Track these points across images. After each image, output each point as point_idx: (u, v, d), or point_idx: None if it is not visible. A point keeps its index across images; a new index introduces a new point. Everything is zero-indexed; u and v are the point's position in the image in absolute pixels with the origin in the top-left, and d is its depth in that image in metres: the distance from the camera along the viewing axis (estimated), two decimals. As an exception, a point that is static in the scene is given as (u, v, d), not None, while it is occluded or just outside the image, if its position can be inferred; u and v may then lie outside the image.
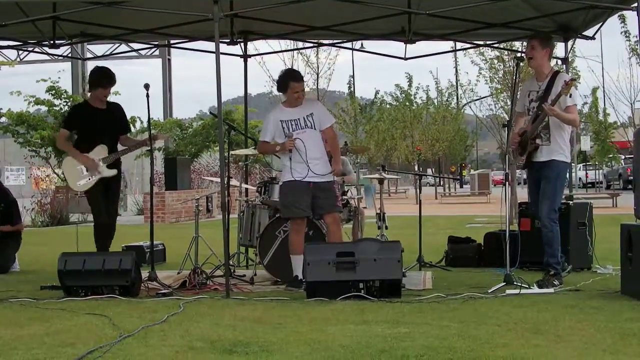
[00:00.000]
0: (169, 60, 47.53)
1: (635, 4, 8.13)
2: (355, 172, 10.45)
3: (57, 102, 28.56)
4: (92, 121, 9.11)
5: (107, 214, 9.19)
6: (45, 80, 28.27)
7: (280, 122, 8.56)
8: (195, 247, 9.53)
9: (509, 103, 17.11)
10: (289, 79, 8.70)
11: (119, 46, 33.27)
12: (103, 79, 9.21)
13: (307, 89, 39.24)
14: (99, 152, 9.09)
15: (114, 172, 9.16)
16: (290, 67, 37.39)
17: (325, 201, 8.50)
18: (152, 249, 9.36)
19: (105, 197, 9.21)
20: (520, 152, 8.60)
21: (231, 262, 9.44)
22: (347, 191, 9.89)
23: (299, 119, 8.54)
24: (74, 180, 9.11)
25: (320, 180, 8.48)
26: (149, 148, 8.93)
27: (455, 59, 52.24)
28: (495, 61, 32.57)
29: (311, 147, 8.49)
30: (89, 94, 9.46)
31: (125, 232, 9.06)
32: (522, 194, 15.62)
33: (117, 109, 9.49)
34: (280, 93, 8.87)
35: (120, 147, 9.35)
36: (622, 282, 7.70)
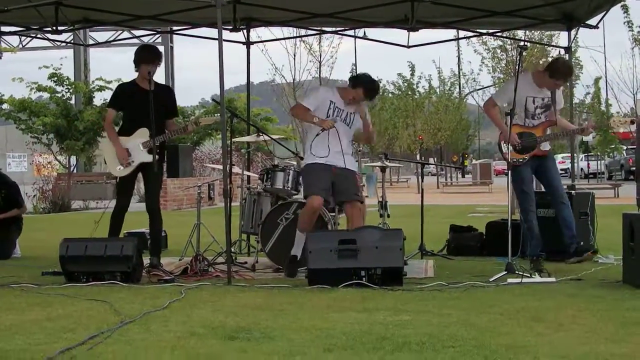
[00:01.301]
0: (172, 47, 47.48)
1: (640, -7, 8.11)
2: (357, 160, 10.43)
3: (59, 89, 28.60)
4: (137, 102, 8.71)
5: (147, 200, 9.00)
6: (47, 67, 28.31)
7: (330, 102, 8.55)
8: (197, 234, 9.51)
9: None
10: (363, 86, 8.55)
11: (121, 33, 33.27)
12: (145, 54, 8.86)
13: (309, 78, 39.35)
14: (141, 135, 8.78)
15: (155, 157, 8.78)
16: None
17: (347, 188, 8.49)
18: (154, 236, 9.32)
19: (144, 182, 9.06)
20: (520, 151, 8.78)
21: (233, 250, 9.43)
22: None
23: (343, 110, 8.56)
24: (113, 164, 8.82)
25: (344, 167, 8.49)
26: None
27: (458, 48, 52.18)
28: (498, 50, 32.36)
29: (344, 140, 8.50)
30: (136, 74, 8.95)
31: (127, 218, 9.01)
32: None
33: (165, 91, 9.13)
34: (350, 85, 8.63)
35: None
36: (623, 271, 7.69)
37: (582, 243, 8.89)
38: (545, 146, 8.97)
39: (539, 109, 8.92)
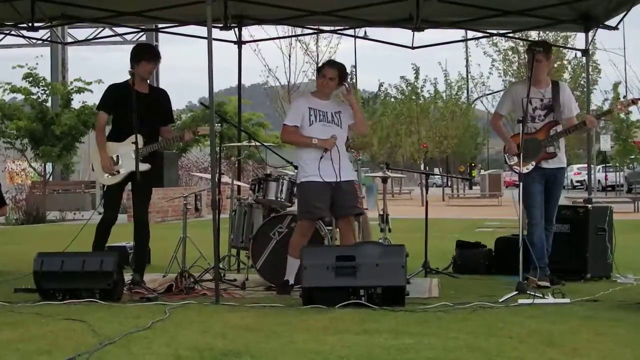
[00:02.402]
0: (157, 46, 47.58)
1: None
2: (355, 170, 10.44)
3: (34, 90, 28.57)
4: (130, 106, 8.54)
5: (136, 211, 9.01)
6: (22, 67, 28.28)
7: (308, 109, 8.58)
8: (183, 249, 9.52)
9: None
10: (324, 64, 8.91)
11: (102, 30, 33.25)
12: (148, 51, 8.89)
13: (306, 80, 39.42)
14: (134, 141, 8.71)
15: (145, 166, 8.79)
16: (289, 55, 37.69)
17: (345, 203, 8.53)
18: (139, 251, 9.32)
19: (132, 193, 9.00)
20: (525, 159, 8.86)
21: (221, 266, 9.43)
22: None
23: (327, 112, 8.59)
24: (101, 171, 8.81)
25: (342, 180, 8.49)
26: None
27: (466, 50, 52.33)
28: (510, 52, 32.40)
29: (340, 146, 8.56)
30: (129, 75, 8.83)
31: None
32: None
33: (161, 95, 9.14)
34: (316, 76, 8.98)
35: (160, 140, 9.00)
36: (643, 292, 7.72)
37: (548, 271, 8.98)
38: (551, 150, 9.09)
39: (539, 110, 9.10)
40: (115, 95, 8.92)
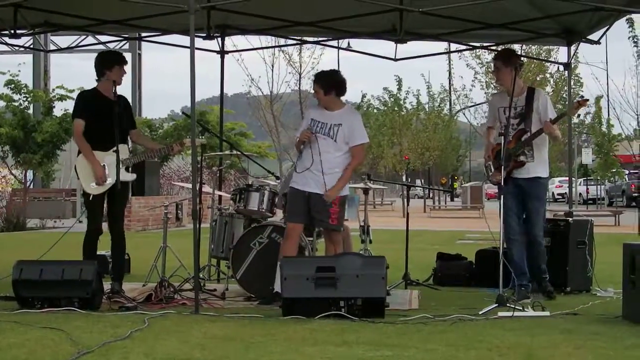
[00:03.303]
0: (140, 54, 47.44)
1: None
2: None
3: (16, 97, 28.44)
4: (106, 113, 8.55)
5: (113, 220, 8.97)
6: (3, 74, 28.17)
7: (310, 120, 8.59)
8: (163, 258, 9.49)
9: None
10: (314, 80, 8.87)
11: (85, 38, 33.16)
12: (118, 56, 8.87)
13: (288, 91, 39.46)
14: (119, 151, 8.64)
15: (132, 176, 8.85)
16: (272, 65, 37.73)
17: (315, 215, 8.49)
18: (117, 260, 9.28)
19: (110, 202, 8.92)
20: (497, 168, 8.90)
21: (201, 275, 9.40)
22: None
23: (326, 123, 8.50)
24: (87, 181, 8.71)
25: (318, 192, 8.42)
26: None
27: (449, 62, 52.46)
28: (492, 65, 32.15)
29: (326, 156, 8.40)
30: (97, 82, 8.87)
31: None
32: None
33: (125, 101, 9.11)
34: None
35: (138, 148, 9.04)
36: (623, 306, 7.72)
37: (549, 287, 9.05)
38: (522, 158, 8.99)
39: (513, 119, 9.02)
40: (88, 102, 8.88)
